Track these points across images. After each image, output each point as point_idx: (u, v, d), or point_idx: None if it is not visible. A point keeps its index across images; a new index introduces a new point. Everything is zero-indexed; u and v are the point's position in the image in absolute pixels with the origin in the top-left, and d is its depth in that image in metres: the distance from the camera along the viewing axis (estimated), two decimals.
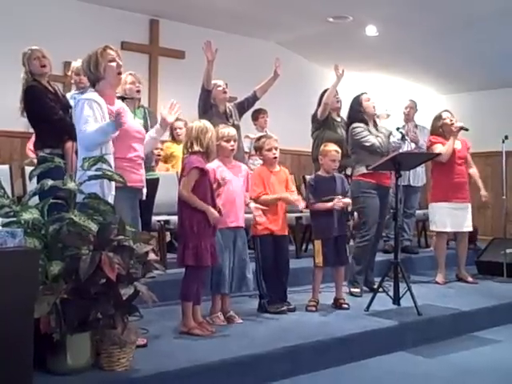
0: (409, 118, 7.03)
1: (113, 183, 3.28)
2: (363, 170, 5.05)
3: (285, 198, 4.41)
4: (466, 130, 5.69)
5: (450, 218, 5.69)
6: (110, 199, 3.26)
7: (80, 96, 3.43)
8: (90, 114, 3.27)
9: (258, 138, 4.68)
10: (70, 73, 4.91)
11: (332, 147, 4.67)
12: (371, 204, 5.02)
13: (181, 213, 3.77)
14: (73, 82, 4.92)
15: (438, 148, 5.66)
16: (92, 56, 3.41)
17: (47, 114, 4.18)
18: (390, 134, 5.29)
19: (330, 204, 4.46)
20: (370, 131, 5.13)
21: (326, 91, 5.82)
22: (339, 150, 4.68)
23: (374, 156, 5.03)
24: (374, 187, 5.03)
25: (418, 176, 6.81)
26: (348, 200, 4.61)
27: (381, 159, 4.91)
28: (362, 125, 5.15)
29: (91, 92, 3.40)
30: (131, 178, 3.41)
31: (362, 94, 5.31)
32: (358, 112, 5.21)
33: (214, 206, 3.79)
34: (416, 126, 6.92)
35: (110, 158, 3.30)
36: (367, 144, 5.05)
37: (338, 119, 5.88)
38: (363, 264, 5.08)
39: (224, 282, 3.99)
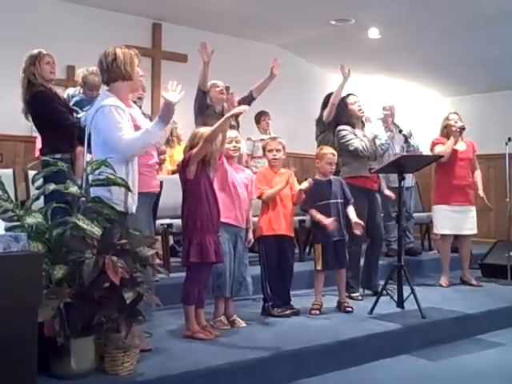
0: (387, 120, 6.69)
1: (135, 189, 3.27)
2: (349, 172, 5.03)
3: (285, 184, 4.37)
4: (463, 129, 5.70)
5: (450, 220, 5.67)
6: (132, 206, 3.25)
7: (101, 102, 3.29)
8: (121, 120, 3.21)
9: (263, 140, 4.72)
10: (78, 79, 4.87)
11: (328, 150, 4.67)
12: (359, 208, 4.94)
13: (186, 210, 3.76)
14: (79, 87, 4.89)
15: (437, 149, 5.68)
16: (127, 54, 3.34)
17: (59, 119, 4.18)
18: (375, 137, 5.21)
19: (327, 221, 4.45)
20: (355, 134, 5.10)
21: (330, 94, 5.81)
22: (335, 153, 4.68)
23: (358, 159, 5.04)
24: (361, 190, 4.98)
25: (408, 176, 6.73)
26: (354, 218, 4.60)
27: (364, 162, 4.97)
28: (347, 127, 5.12)
29: (111, 98, 3.29)
30: (151, 184, 3.43)
31: (349, 95, 5.27)
32: (343, 115, 5.20)
33: (216, 202, 3.79)
34: (398, 127, 6.67)
35: (135, 164, 3.29)
36: (351, 148, 5.03)
37: None
38: (356, 268, 5.03)
39: (225, 285, 3.98)
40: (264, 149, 4.58)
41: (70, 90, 5.04)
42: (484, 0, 6.17)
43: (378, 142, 5.16)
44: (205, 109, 5.18)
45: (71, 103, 4.74)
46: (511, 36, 6.81)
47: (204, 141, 3.63)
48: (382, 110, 6.72)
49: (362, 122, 5.27)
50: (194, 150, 3.67)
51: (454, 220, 5.67)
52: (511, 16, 6.34)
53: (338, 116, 5.28)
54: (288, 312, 4.36)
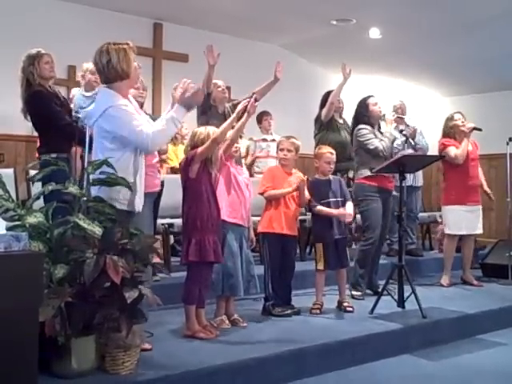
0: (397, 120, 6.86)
1: (142, 187, 3.26)
2: (366, 172, 5.04)
3: (292, 190, 4.36)
4: (480, 130, 5.64)
5: (466, 220, 5.65)
6: (139, 205, 3.24)
7: (107, 103, 3.20)
8: (134, 116, 3.16)
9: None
10: (82, 73, 4.89)
11: (326, 149, 4.67)
12: (374, 207, 5.01)
13: (185, 209, 3.76)
14: (83, 81, 4.90)
15: (453, 151, 5.59)
16: (121, 51, 3.24)
17: (54, 118, 4.20)
18: (395, 139, 5.26)
19: (335, 211, 4.47)
20: (375, 134, 5.12)
21: (328, 93, 5.81)
22: (333, 152, 4.67)
23: (377, 159, 5.02)
24: (376, 190, 5.02)
25: (418, 176, 6.74)
26: (350, 211, 4.57)
27: (381, 162, 4.91)
28: (367, 127, 5.12)
29: (114, 95, 3.22)
30: (153, 184, 3.44)
31: (369, 96, 5.29)
32: (364, 115, 5.19)
33: (216, 202, 3.79)
34: (408, 126, 6.76)
35: (142, 163, 3.28)
36: (371, 147, 5.03)
37: (341, 121, 5.87)
38: (366, 267, 5.08)
39: (238, 285, 3.98)
40: (277, 147, 4.61)
41: (75, 90, 5.06)
42: (484, 1, 6.16)
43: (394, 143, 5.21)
44: (208, 109, 5.20)
45: (75, 106, 4.74)
46: (510, 36, 6.80)
47: (212, 141, 3.64)
48: (393, 108, 6.78)
49: (379, 124, 5.29)
50: (200, 149, 3.66)
51: (469, 220, 5.66)
52: (510, 16, 6.34)
53: (358, 116, 5.25)
54: (289, 311, 4.36)
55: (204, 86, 5.14)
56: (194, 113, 5.32)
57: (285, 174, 4.46)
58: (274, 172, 4.53)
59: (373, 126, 5.17)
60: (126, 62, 3.25)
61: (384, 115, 5.21)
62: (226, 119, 5.12)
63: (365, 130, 5.10)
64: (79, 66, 6.33)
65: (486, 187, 5.88)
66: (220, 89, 5.29)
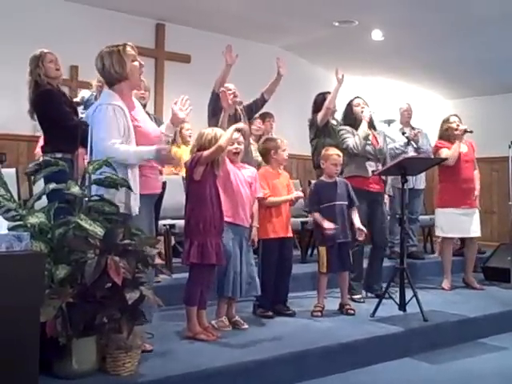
0: (405, 120, 6.89)
1: (137, 189, 3.25)
2: (348, 173, 5.07)
3: (292, 198, 4.46)
4: (470, 132, 5.66)
5: (457, 223, 5.64)
6: (134, 207, 3.23)
7: (101, 101, 3.27)
8: (114, 123, 3.17)
9: (269, 139, 4.74)
10: (97, 82, 4.89)
11: (333, 151, 4.67)
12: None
13: (188, 210, 3.75)
14: (100, 89, 4.91)
15: (444, 152, 5.64)
16: (113, 54, 3.26)
17: (63, 119, 4.19)
18: (367, 136, 5.16)
19: (326, 225, 4.44)
20: (353, 134, 5.11)
21: (320, 95, 5.78)
22: (341, 154, 4.67)
23: (354, 160, 5.07)
24: (356, 191, 4.85)
25: (420, 178, 6.73)
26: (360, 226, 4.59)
27: (361, 163, 5.02)
28: (347, 127, 5.19)
29: (111, 95, 3.26)
30: (154, 185, 3.42)
31: (355, 98, 5.33)
32: (349, 117, 5.27)
33: (219, 204, 3.78)
34: (413, 129, 6.79)
35: (136, 167, 3.27)
36: (344, 146, 5.07)
37: (334, 122, 5.85)
38: (358, 270, 5.02)
39: (228, 285, 3.96)
40: (277, 148, 4.52)
41: (86, 93, 5.03)
42: (488, 2, 6.15)
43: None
44: (218, 111, 5.18)
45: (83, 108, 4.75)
46: None
47: (217, 147, 3.66)
48: (399, 111, 6.81)
49: (374, 125, 5.31)
50: (206, 153, 3.67)
51: (462, 223, 5.64)
52: None
53: (345, 118, 5.34)
54: (270, 314, 4.34)
55: (218, 86, 5.13)
56: (200, 113, 5.32)
57: (275, 174, 4.53)
58: (265, 175, 4.51)
59: (356, 127, 5.14)
60: (120, 63, 3.28)
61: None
62: (236, 121, 5.13)
63: (343, 130, 5.20)
64: (82, 66, 6.36)
65: (476, 191, 5.79)
66: (230, 92, 5.27)
